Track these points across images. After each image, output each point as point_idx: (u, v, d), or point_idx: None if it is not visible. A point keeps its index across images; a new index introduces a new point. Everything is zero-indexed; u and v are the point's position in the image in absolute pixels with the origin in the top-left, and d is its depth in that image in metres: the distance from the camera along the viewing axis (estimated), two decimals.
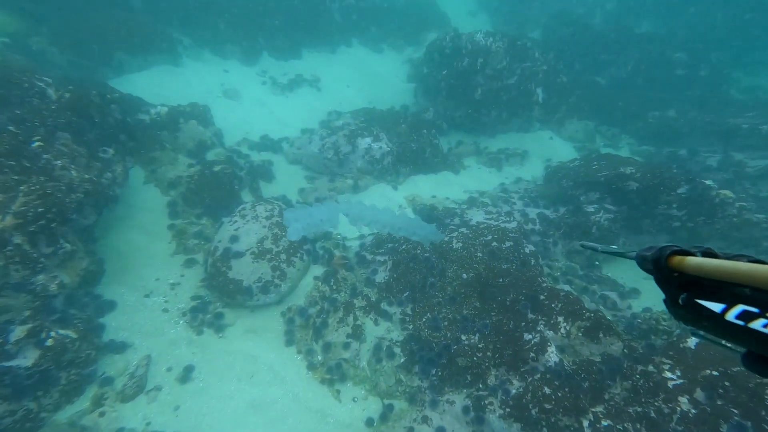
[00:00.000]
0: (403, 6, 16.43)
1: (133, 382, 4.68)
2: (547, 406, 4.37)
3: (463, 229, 6.97)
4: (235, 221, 6.50)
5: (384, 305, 6.07)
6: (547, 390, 4.41)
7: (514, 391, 4.63)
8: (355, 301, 6.09)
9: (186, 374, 4.93)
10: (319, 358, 5.54)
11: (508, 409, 4.50)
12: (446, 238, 6.81)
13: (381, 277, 6.42)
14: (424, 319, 5.80)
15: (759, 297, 0.82)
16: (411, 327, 5.76)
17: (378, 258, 6.69)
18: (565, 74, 11.36)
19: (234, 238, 6.25)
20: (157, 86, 9.56)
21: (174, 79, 10.05)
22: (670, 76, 13.03)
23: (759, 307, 0.81)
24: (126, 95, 7.34)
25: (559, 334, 4.81)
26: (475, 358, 5.04)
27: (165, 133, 7.83)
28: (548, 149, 10.67)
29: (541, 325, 4.91)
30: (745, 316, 0.83)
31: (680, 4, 16.45)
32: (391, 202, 8.36)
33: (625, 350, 4.76)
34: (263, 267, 6.05)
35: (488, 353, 5.06)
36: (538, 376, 4.55)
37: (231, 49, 12.35)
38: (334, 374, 5.32)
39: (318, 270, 6.64)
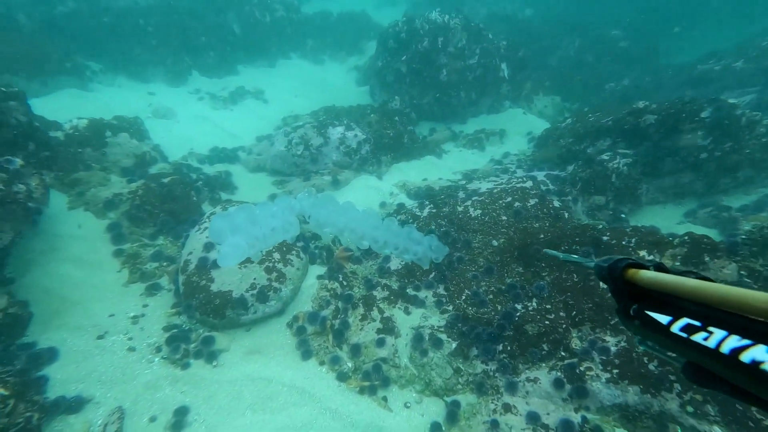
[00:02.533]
0: (336, 20, 16.88)
1: None
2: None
3: (475, 198, 6.61)
4: (206, 228, 5.61)
5: (410, 291, 5.41)
6: None
7: (613, 349, 4.11)
8: (374, 293, 5.37)
9: (179, 419, 3.84)
10: (349, 364, 4.69)
11: (615, 371, 3.96)
12: (460, 208, 6.39)
13: (396, 263, 5.78)
14: (463, 297, 5.23)
15: (701, 311, 0.93)
16: (451, 308, 5.13)
17: None
18: (523, 45, 11.93)
19: (209, 246, 5.35)
20: (66, 111, 8.45)
21: (86, 104, 9.07)
22: (615, 48, 14.28)
23: (701, 321, 0.91)
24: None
25: None
26: (546, 322, 4.50)
27: (88, 150, 6.86)
28: (524, 125, 10.93)
29: None
30: (688, 328, 0.92)
31: None
32: (380, 193, 7.87)
33: (741, 272, 4.43)
34: (254, 271, 5.18)
35: (561, 313, 4.55)
36: (638, 322, 4.05)
37: (153, 72, 11.67)
38: (373, 379, 4.49)
39: (319, 269, 5.87)
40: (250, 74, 13.20)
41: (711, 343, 0.85)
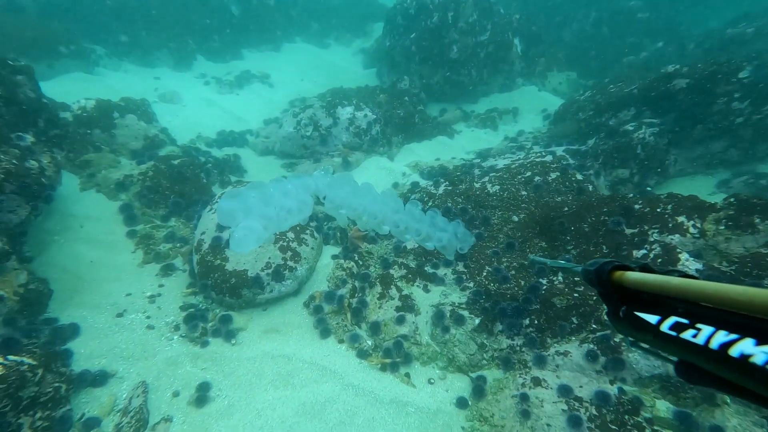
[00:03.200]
0: (341, 1, 16.68)
1: (131, 419, 3.56)
2: None
3: (493, 174, 6.53)
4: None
5: (429, 268, 5.37)
6: None
7: None
8: (391, 271, 5.35)
9: (202, 394, 3.86)
10: (369, 342, 4.68)
11: None
12: (477, 185, 6.33)
13: (413, 242, 5.74)
14: (484, 274, 5.19)
15: (689, 309, 0.95)
16: (472, 284, 5.09)
17: None
18: (535, 23, 11.72)
19: (222, 226, 5.34)
20: (72, 94, 8.46)
21: (92, 87, 9.06)
22: (633, 20, 13.92)
23: (688, 318, 0.93)
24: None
25: (689, 235, 4.32)
26: (575, 295, 4.44)
27: (97, 131, 6.87)
28: (538, 102, 10.78)
29: (655, 235, 4.42)
30: (677, 327, 0.94)
31: None
32: (392, 174, 7.83)
33: None
34: (270, 250, 5.17)
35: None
36: None
37: (158, 56, 11.66)
38: (395, 356, 4.48)
39: (333, 250, 5.85)
40: (256, 58, 13.14)
41: (700, 339, 0.87)
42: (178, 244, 5.73)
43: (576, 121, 7.95)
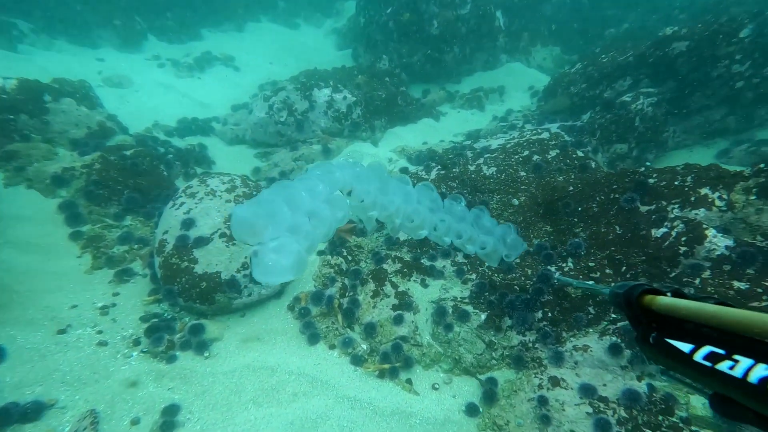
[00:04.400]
0: None
1: None
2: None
3: (487, 155, 6.19)
4: (183, 203, 5.05)
5: (426, 261, 5.00)
6: (740, 285, 3.55)
7: None
8: (384, 266, 4.94)
9: (169, 419, 3.37)
10: (364, 346, 4.28)
11: None
12: (472, 167, 5.98)
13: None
14: (486, 263, 4.84)
15: (725, 338, 0.92)
16: (474, 276, 4.75)
17: None
18: None
19: (189, 223, 4.80)
20: None
21: (15, 66, 8.08)
22: None
23: (725, 349, 0.90)
24: None
25: (715, 209, 4.07)
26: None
27: (23, 117, 6.10)
28: (524, 79, 10.54)
29: (675, 210, 4.15)
30: (711, 357, 0.91)
31: None
32: (377, 160, 7.37)
33: None
34: (246, 248, 4.66)
35: (607, 270, 4.20)
36: (708, 273, 3.70)
37: (100, 35, 10.76)
38: (393, 361, 4.10)
39: (319, 245, 5.39)
40: (217, 39, 12.37)
41: (737, 372, 0.83)
42: (136, 246, 5.15)
43: (568, 95, 7.71)
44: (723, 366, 0.86)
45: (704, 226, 3.82)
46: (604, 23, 12.77)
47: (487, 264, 4.79)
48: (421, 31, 9.75)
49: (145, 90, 9.04)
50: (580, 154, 5.86)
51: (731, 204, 3.98)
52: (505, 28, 10.75)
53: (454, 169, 6.09)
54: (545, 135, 6.40)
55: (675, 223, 4.00)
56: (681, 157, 6.82)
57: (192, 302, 4.39)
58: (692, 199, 4.14)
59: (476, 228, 3.66)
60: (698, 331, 0.99)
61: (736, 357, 0.85)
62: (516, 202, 5.43)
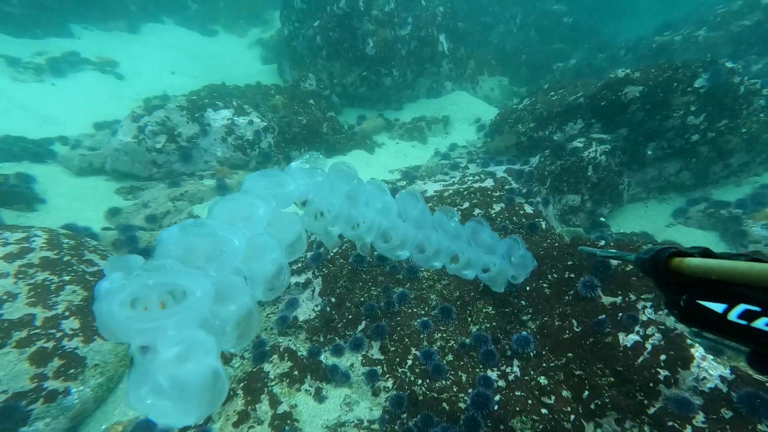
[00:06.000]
0: None
1: None
2: None
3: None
4: None
5: (327, 356, 3.77)
6: None
7: None
8: (266, 366, 3.67)
9: None
10: None
11: None
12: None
13: (306, 309, 4.16)
14: (408, 362, 3.68)
15: (759, 296, 0.89)
16: (390, 383, 3.57)
17: (294, 279, 4.44)
18: (462, 19, 10.88)
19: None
20: None
21: None
22: (559, 25, 13.88)
23: (760, 306, 0.88)
24: None
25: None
26: (543, 411, 3.07)
27: None
28: (470, 110, 9.79)
29: (648, 311, 3.10)
30: (747, 315, 0.89)
31: None
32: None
33: None
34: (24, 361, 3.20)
35: (563, 393, 3.13)
36: (702, 417, 2.66)
37: None
38: None
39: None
40: (95, 38, 10.48)
41: None
42: None
43: (515, 134, 6.91)
44: (759, 323, 0.84)
45: (688, 341, 2.88)
46: (552, 57, 12.59)
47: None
48: (354, 49, 8.76)
49: None
50: (528, 210, 4.93)
51: None
52: (449, 53, 10.02)
53: None
54: (489, 182, 5.46)
55: (649, 330, 3.02)
56: (636, 212, 6.18)
57: None
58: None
59: (475, 247, 2.85)
60: (731, 290, 0.93)
61: None
62: None
